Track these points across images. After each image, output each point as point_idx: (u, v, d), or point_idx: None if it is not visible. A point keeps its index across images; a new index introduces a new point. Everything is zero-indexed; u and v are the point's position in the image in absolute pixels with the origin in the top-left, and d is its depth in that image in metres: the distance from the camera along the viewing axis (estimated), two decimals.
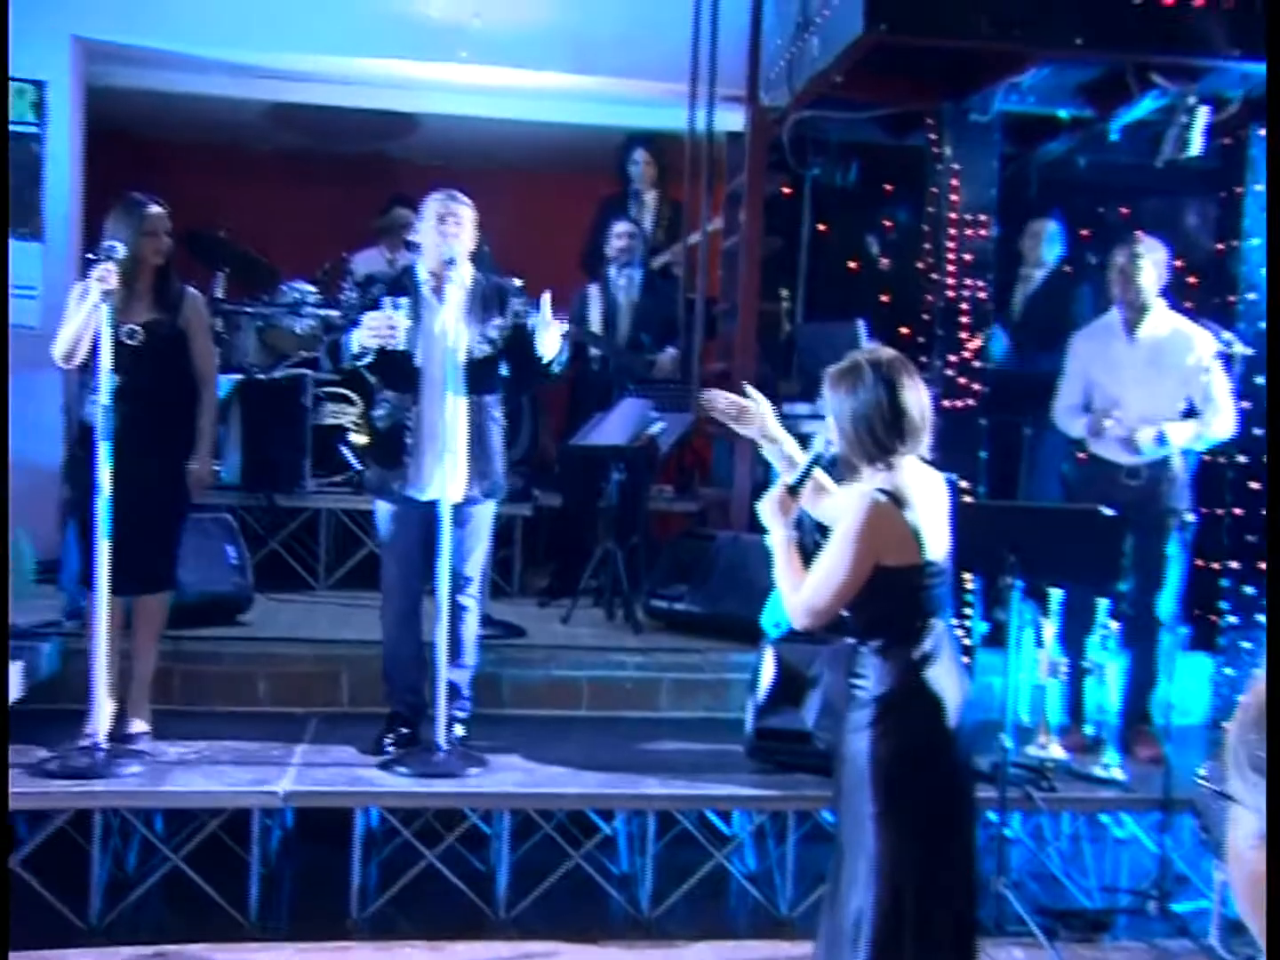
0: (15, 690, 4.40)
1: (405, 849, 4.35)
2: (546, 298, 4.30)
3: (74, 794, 4.03)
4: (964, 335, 5.38)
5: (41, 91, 6.45)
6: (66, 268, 6.36)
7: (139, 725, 4.40)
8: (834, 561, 2.86)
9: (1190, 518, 4.83)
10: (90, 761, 4.08)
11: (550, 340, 4.31)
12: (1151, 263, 4.80)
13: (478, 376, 4.37)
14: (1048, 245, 6.13)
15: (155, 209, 4.29)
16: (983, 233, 5.41)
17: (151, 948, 3.94)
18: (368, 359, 4.34)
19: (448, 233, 4.32)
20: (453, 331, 4.29)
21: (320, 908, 4.28)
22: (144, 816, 4.32)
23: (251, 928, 4.08)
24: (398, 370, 4.39)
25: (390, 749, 4.44)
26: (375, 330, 4.25)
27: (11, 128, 6.40)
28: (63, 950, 3.90)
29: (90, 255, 4.09)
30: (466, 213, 4.39)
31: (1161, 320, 4.86)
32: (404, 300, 4.30)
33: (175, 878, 4.18)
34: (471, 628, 4.54)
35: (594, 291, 6.56)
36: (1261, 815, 1.23)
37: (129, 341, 4.10)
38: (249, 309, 6.94)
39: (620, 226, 6.56)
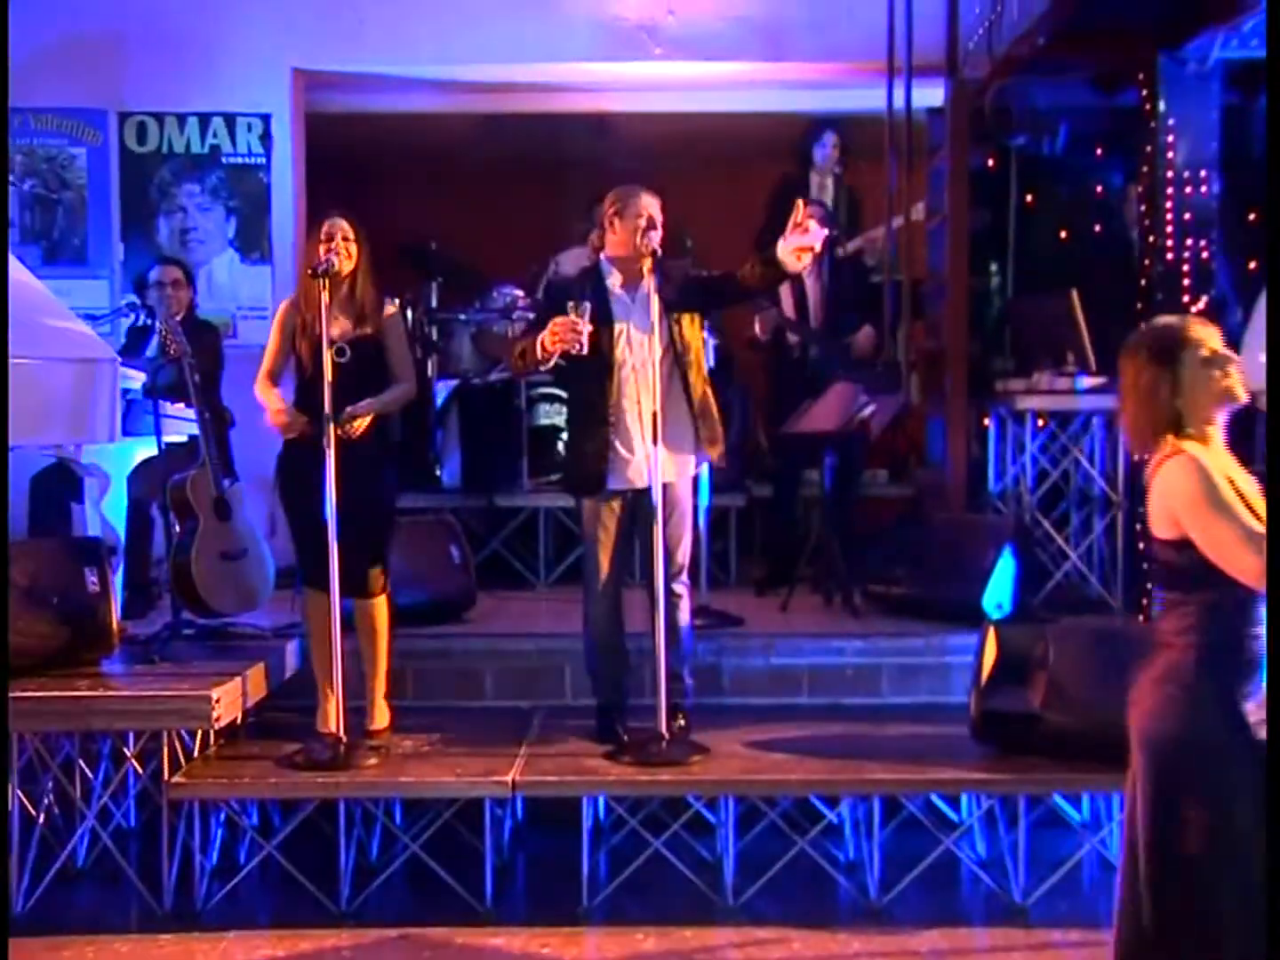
0: (260, 688, 4.65)
1: (633, 837, 4.42)
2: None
3: (319, 784, 4.24)
4: (1186, 299, 5.13)
5: (266, 124, 6.82)
6: (293, 289, 6.69)
7: (377, 722, 4.58)
8: None
9: None
10: (332, 754, 4.29)
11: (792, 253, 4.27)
12: None
13: (672, 363, 4.42)
14: None
15: (332, 217, 4.40)
16: (1204, 190, 5.15)
17: (396, 930, 4.13)
18: (551, 364, 4.36)
19: (637, 228, 4.36)
20: (646, 325, 4.33)
21: (552, 894, 4.39)
22: (384, 806, 4.52)
23: (487, 913, 4.21)
24: (592, 371, 4.41)
25: (614, 739, 4.52)
26: (559, 334, 4.27)
27: (240, 159, 6.81)
28: (319, 930, 4.12)
29: (310, 271, 4.28)
30: (650, 206, 4.40)
31: None
32: (587, 305, 4.30)
33: (415, 865, 4.36)
34: (685, 613, 4.59)
35: None
36: None
37: (338, 359, 4.26)
38: (462, 316, 7.17)
39: (808, 209, 6.42)
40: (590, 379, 4.44)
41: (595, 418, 4.44)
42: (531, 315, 6.52)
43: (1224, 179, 5.23)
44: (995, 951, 4.07)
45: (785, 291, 6.39)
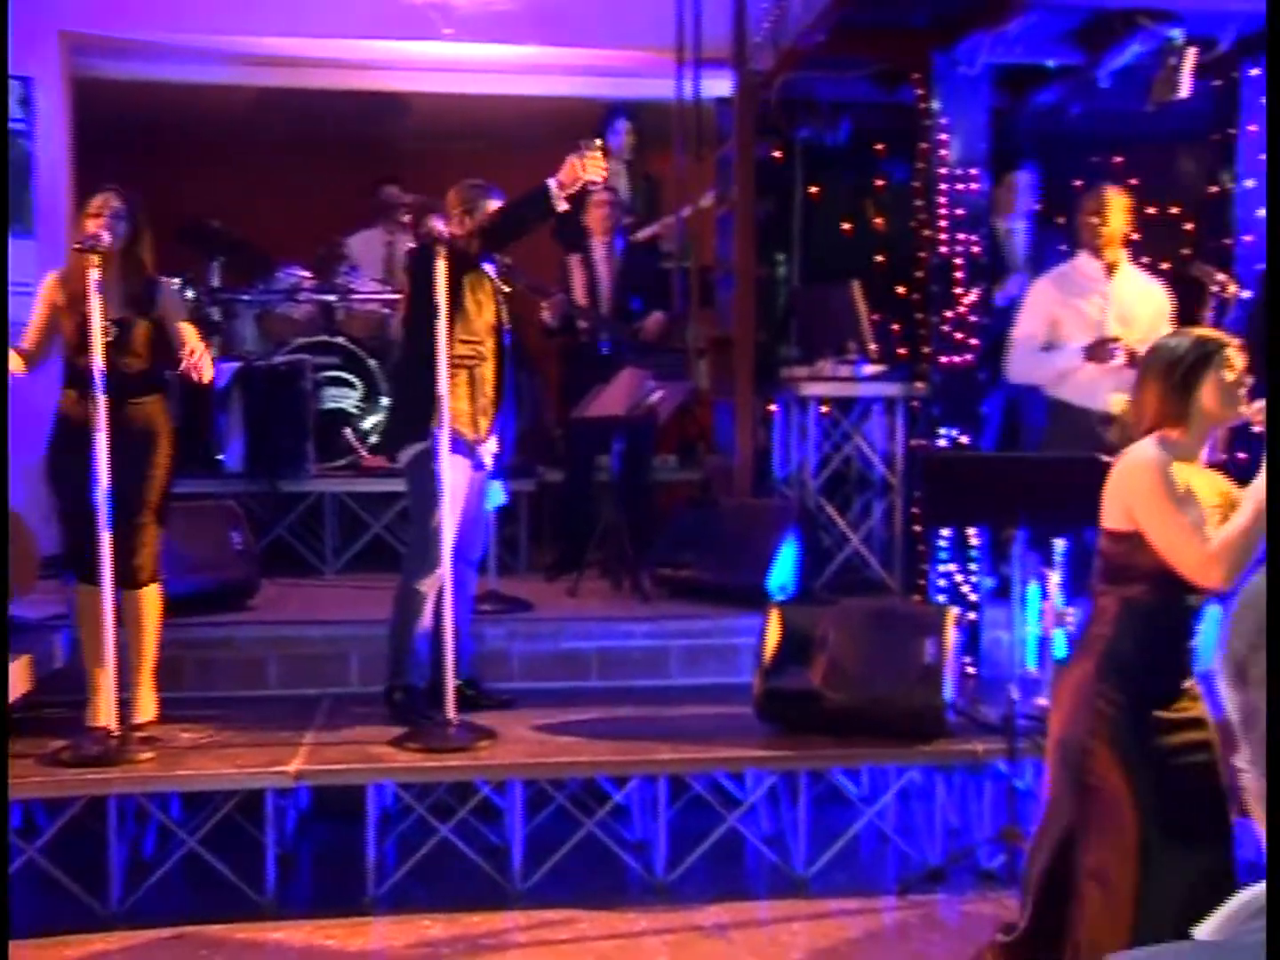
0: (24, 683, 4.42)
1: (420, 825, 4.38)
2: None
3: (88, 781, 4.06)
4: (958, 290, 5.35)
5: (28, 88, 6.43)
6: (60, 263, 6.36)
7: (143, 715, 4.41)
8: None
9: None
10: (103, 749, 4.11)
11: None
12: (1121, 211, 4.84)
13: None
14: (1024, 197, 6.11)
15: (106, 190, 4.26)
16: (974, 186, 5.37)
17: (171, 930, 3.98)
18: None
19: None
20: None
21: (337, 885, 4.32)
22: (160, 801, 4.35)
23: (269, 907, 4.11)
24: (467, 336, 4.56)
25: (403, 724, 4.45)
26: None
27: None
28: (85, 935, 3.94)
29: (77, 245, 4.08)
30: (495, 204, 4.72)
31: (1129, 271, 4.94)
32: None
33: (194, 861, 4.22)
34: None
35: (574, 262, 6.47)
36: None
37: (106, 338, 4.09)
38: (245, 296, 6.95)
39: (600, 195, 6.46)
40: (449, 341, 4.40)
41: (463, 379, 4.51)
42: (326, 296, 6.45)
43: (992, 179, 5.47)
44: (776, 922, 4.17)
45: (578, 278, 6.41)
